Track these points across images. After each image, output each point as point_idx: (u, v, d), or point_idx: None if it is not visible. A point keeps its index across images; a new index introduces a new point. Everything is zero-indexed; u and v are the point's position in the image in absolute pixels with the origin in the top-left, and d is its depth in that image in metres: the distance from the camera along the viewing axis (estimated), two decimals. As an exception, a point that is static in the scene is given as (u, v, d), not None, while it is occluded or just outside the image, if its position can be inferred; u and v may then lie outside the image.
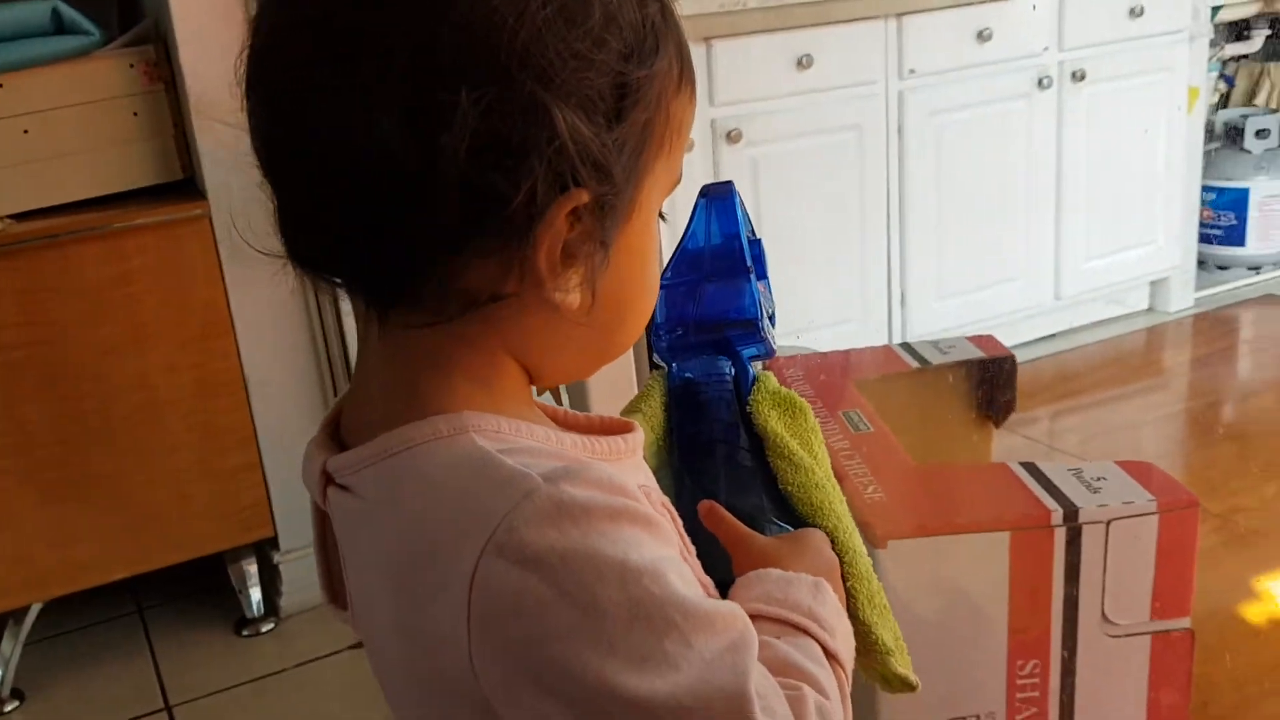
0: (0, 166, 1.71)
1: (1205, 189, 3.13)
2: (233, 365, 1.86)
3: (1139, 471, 1.08)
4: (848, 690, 0.59)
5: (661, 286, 0.78)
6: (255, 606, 1.98)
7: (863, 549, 0.71)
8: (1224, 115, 3.33)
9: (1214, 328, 3.03)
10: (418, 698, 0.56)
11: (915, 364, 1.36)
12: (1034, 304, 2.83)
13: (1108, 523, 1.03)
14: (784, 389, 0.79)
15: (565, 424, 0.61)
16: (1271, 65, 3.33)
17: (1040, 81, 2.66)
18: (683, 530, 0.59)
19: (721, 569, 0.63)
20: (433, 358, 0.55)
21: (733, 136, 2.35)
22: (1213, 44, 3.07)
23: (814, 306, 2.50)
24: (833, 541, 0.70)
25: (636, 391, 0.82)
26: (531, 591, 0.47)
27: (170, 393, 1.83)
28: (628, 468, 0.60)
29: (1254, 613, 1.79)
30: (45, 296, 1.73)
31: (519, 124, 0.49)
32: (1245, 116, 3.23)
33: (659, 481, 0.65)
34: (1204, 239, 3.20)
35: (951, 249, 2.67)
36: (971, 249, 2.70)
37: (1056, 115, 2.71)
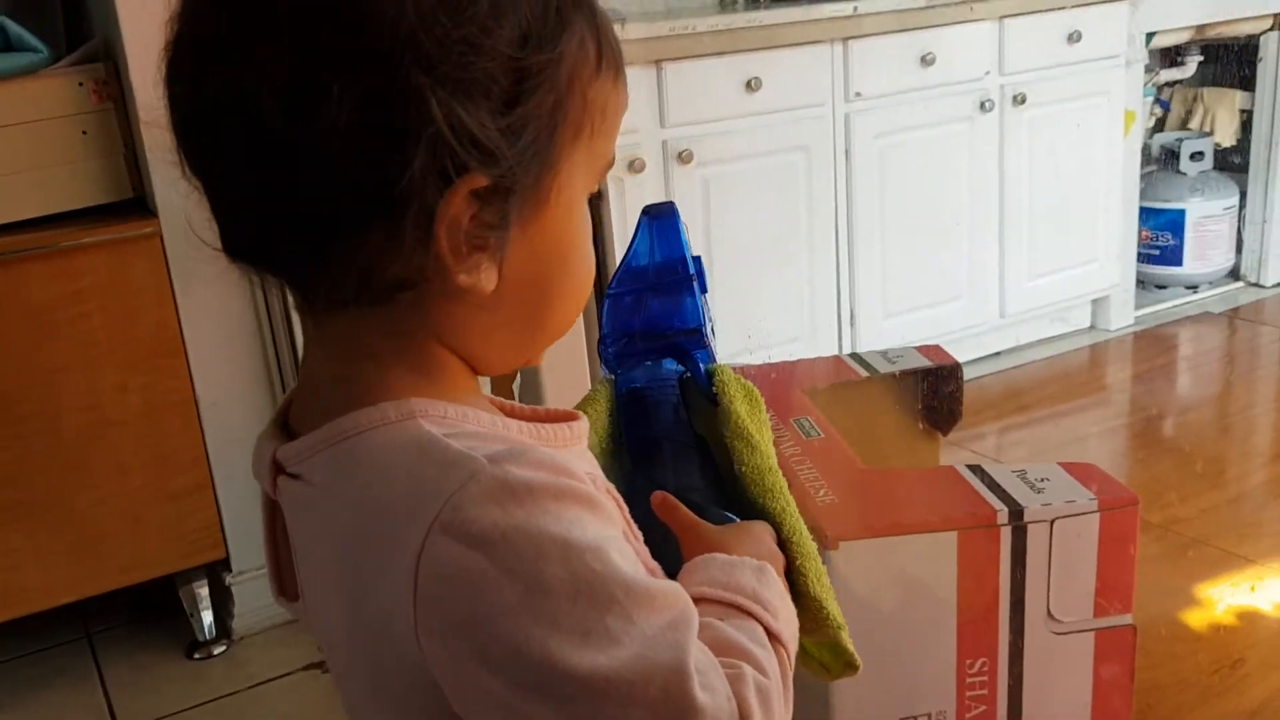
0: (-53, 185, 1.69)
1: (1143, 210, 3.20)
2: (184, 385, 1.85)
3: (1081, 472, 1.11)
4: (789, 672, 0.60)
5: (606, 297, 0.80)
6: (207, 629, 1.96)
7: (807, 531, 0.73)
8: (1160, 139, 3.42)
9: (1154, 345, 3.11)
10: (369, 689, 0.56)
11: (864, 373, 1.39)
12: (979, 322, 2.88)
13: (1051, 521, 1.06)
14: (744, 379, 0.82)
15: (512, 414, 0.62)
16: (1205, 90, 3.43)
17: (982, 104, 2.72)
18: (628, 515, 0.60)
19: (673, 564, 0.64)
20: (369, 349, 0.56)
21: (684, 157, 2.38)
22: (1148, 69, 3.16)
23: (764, 324, 2.53)
24: (781, 523, 0.72)
25: (589, 382, 0.84)
26: (476, 568, 0.48)
27: (120, 413, 1.81)
28: (573, 455, 0.61)
29: (1194, 619, 1.83)
30: (-7, 316, 1.71)
31: (397, 110, 0.50)
32: (1180, 140, 3.32)
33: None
34: (1143, 259, 3.27)
35: (898, 268, 2.72)
36: (918, 268, 2.75)
37: (998, 137, 2.78)
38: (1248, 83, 3.33)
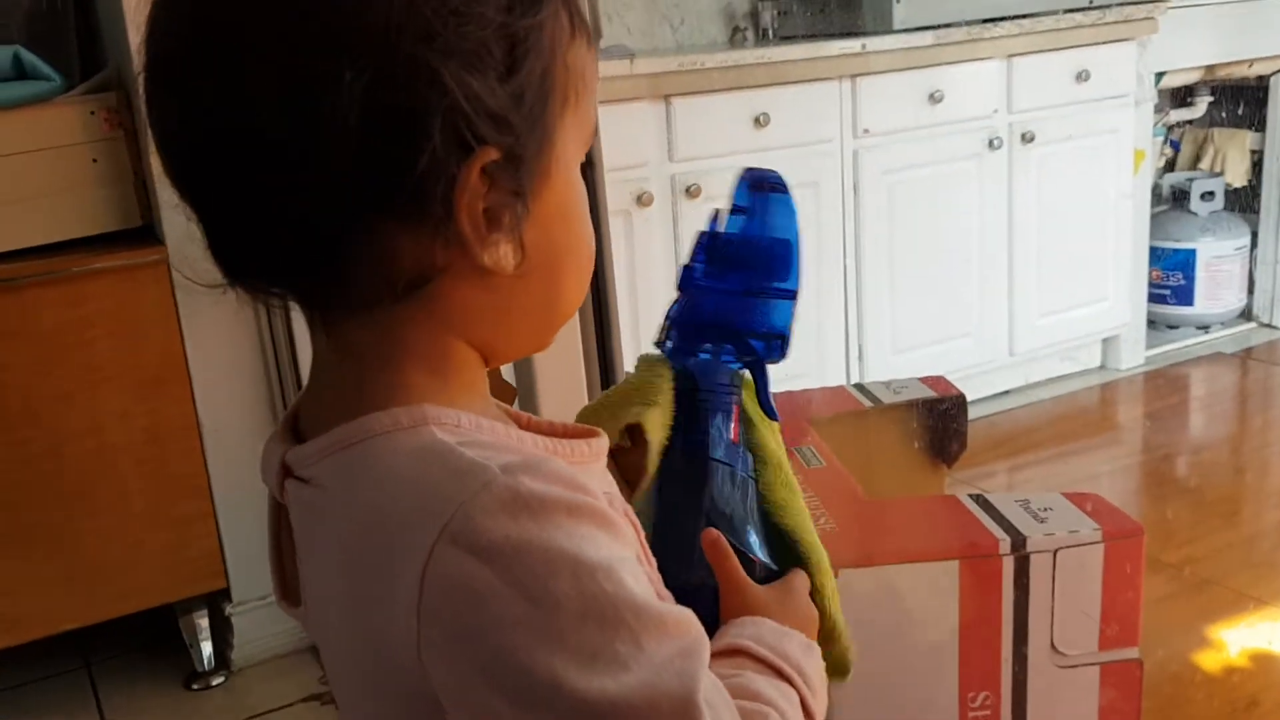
0: (-43, 210, 1.71)
1: (1154, 250, 3.20)
2: (187, 412, 1.85)
3: (1084, 502, 1.10)
4: None
5: (691, 284, 0.73)
6: (206, 660, 1.94)
7: (822, 546, 0.73)
8: (1170, 178, 3.42)
9: (1166, 385, 3.08)
10: (367, 698, 0.55)
11: (868, 403, 1.38)
12: (989, 359, 2.87)
13: (1055, 552, 1.04)
14: None
15: (528, 427, 0.61)
16: (1215, 130, 3.43)
17: (991, 142, 2.73)
18: (644, 539, 0.59)
19: (679, 575, 0.63)
20: (382, 351, 0.55)
21: (692, 192, 2.38)
22: (1158, 109, 3.16)
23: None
24: (797, 540, 0.71)
25: (585, 396, 0.82)
26: (483, 581, 0.47)
27: (123, 439, 1.81)
28: (591, 473, 0.60)
29: (1207, 660, 1.80)
30: (0, 341, 1.72)
31: (407, 89, 0.49)
32: (1191, 180, 3.32)
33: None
34: (1154, 299, 3.26)
35: (907, 304, 2.71)
36: (926, 304, 2.74)
37: (1007, 175, 2.78)
38: (1258, 123, 3.34)
